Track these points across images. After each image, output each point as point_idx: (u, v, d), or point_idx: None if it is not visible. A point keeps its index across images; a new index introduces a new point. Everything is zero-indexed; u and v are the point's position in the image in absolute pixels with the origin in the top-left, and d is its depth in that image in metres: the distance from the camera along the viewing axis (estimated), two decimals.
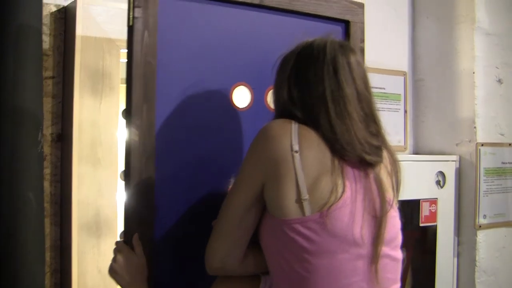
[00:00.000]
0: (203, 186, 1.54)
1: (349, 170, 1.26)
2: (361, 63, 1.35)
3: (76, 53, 1.81)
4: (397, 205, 1.36)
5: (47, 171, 1.90)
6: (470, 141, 2.56)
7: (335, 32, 1.75)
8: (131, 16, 1.43)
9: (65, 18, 1.90)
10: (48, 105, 1.90)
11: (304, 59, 1.34)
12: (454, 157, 2.60)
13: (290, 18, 1.69)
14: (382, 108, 2.59)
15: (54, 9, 1.90)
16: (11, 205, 1.67)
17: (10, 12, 1.67)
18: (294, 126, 1.26)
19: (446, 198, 2.57)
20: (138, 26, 1.44)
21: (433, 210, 2.52)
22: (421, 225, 2.50)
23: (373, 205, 1.26)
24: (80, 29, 1.81)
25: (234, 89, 1.60)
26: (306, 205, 1.21)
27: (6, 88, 1.67)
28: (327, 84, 1.28)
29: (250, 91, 1.63)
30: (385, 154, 1.34)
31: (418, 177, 2.50)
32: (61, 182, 1.94)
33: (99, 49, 1.86)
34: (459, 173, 2.61)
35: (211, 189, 1.55)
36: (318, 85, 1.29)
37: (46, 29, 1.88)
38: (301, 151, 1.22)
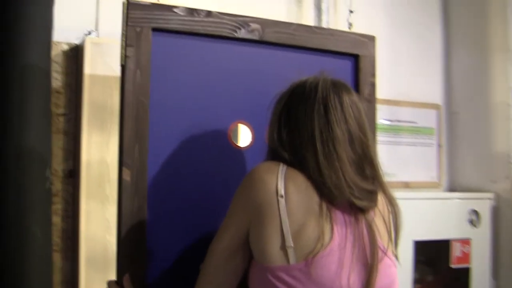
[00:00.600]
0: (197, 228, 1.51)
1: (338, 215, 1.20)
2: (356, 102, 1.30)
3: (84, 91, 1.84)
4: (394, 252, 1.29)
5: (58, 206, 1.92)
6: (506, 178, 2.42)
7: (343, 67, 1.71)
8: (123, 55, 1.44)
9: (77, 56, 1.94)
10: (59, 141, 1.93)
11: (295, 98, 1.31)
12: (490, 195, 2.47)
13: (293, 54, 1.66)
14: (414, 142, 2.50)
15: (66, 47, 1.93)
16: (17, 240, 1.69)
17: (16, 52, 1.71)
18: (282, 169, 1.21)
19: (481, 238, 2.44)
20: (130, 65, 1.44)
21: (466, 251, 2.39)
22: (452, 266, 2.37)
23: (364, 253, 1.20)
24: (88, 68, 1.84)
25: (233, 128, 1.57)
26: (290, 252, 1.15)
27: (12, 126, 1.70)
28: (316, 124, 1.24)
29: (250, 129, 1.59)
30: (381, 198, 1.28)
31: (448, 216, 2.39)
32: (72, 218, 1.95)
33: (107, 87, 1.88)
34: (495, 211, 2.47)
35: (205, 231, 1.51)
36: (308, 125, 1.25)
37: (58, 67, 1.92)
38: (287, 195, 1.18)
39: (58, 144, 1.92)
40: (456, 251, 2.37)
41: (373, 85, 1.75)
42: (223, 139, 1.56)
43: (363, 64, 1.74)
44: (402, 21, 2.54)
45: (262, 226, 1.18)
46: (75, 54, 1.94)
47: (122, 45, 1.44)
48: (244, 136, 1.60)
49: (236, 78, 1.58)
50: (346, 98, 1.28)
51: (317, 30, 1.68)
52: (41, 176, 1.74)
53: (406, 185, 2.46)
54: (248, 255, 1.25)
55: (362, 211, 1.22)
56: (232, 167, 1.56)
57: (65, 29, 1.93)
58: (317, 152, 1.22)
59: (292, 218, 1.16)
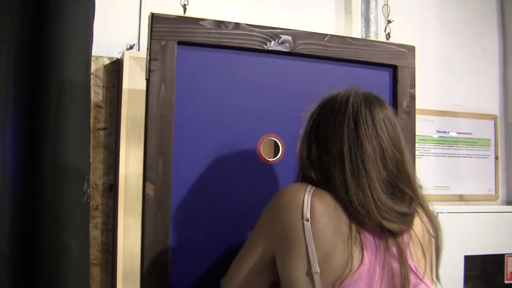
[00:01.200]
0: (222, 246, 1.49)
1: (368, 238, 1.12)
2: (390, 116, 1.22)
3: (122, 105, 1.86)
4: (434, 279, 1.20)
5: (99, 220, 1.95)
6: None
7: (380, 78, 1.66)
8: (147, 69, 1.44)
9: (118, 71, 1.97)
10: (100, 155, 1.96)
11: (325, 113, 1.24)
12: None
13: (326, 65, 1.61)
14: (469, 154, 2.38)
15: (107, 61, 1.97)
16: (54, 254, 1.72)
17: (53, 65, 1.74)
18: (309, 191, 1.15)
19: None
20: (154, 79, 1.44)
21: None
22: (506, 282, 2.23)
23: (394, 279, 1.12)
24: (127, 82, 1.86)
25: (262, 142, 1.54)
26: (316, 278, 1.10)
27: (48, 140, 1.73)
28: (345, 139, 1.17)
29: (281, 143, 1.56)
30: (419, 221, 1.19)
31: (504, 230, 2.25)
32: (112, 231, 1.97)
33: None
34: None
35: (231, 249, 1.48)
36: (337, 141, 1.18)
37: (99, 82, 1.95)
38: (313, 219, 1.12)
39: (98, 158, 1.95)
40: (511, 266, 2.23)
41: (412, 97, 1.68)
42: (252, 154, 1.53)
43: (402, 75, 1.68)
44: (456, 31, 2.44)
45: (287, 252, 1.13)
46: (116, 69, 1.97)
47: (147, 59, 1.45)
48: (274, 150, 1.57)
49: (265, 92, 1.55)
50: (378, 112, 1.20)
51: (352, 40, 1.63)
52: (79, 190, 1.76)
53: (461, 198, 2.34)
54: (274, 273, 1.21)
55: (393, 234, 1.13)
56: (262, 183, 1.54)
57: (107, 43, 1.97)
58: (345, 169, 1.15)
59: (319, 243, 1.11)
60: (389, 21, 1.71)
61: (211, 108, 1.50)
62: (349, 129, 1.18)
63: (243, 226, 1.49)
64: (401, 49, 1.68)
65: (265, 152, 1.55)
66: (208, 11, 1.92)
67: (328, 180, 1.17)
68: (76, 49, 1.78)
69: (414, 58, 1.69)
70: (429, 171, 2.26)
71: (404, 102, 1.67)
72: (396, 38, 2.23)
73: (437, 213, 2.01)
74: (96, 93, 1.94)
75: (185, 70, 1.47)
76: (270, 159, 1.55)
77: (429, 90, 2.31)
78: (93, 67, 1.90)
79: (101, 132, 1.96)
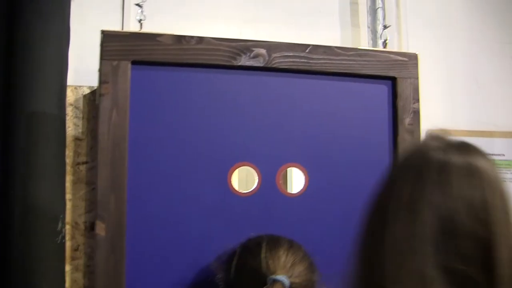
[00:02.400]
0: None
1: None
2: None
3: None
4: None
5: (80, 261, 1.80)
6: None
7: (377, 93, 1.46)
8: (98, 93, 1.30)
9: None
10: (81, 191, 1.82)
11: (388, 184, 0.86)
12: None
13: (309, 80, 1.43)
14: (503, 178, 2.11)
15: (87, 91, 1.84)
16: None
17: (23, 97, 1.64)
18: None
19: None
20: (105, 104, 1.30)
21: None
22: None
23: None
24: None
25: (233, 171, 1.36)
26: None
27: (18, 177, 1.62)
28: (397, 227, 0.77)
29: (257, 171, 1.37)
30: None
31: None
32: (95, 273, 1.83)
33: None
34: None
35: None
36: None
37: (79, 113, 1.83)
38: None
39: (79, 194, 1.81)
40: None
41: (416, 113, 1.47)
42: (222, 186, 1.35)
43: (402, 88, 1.47)
44: (483, 40, 2.19)
45: None
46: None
47: (99, 83, 1.31)
48: (248, 180, 1.39)
49: (236, 114, 1.38)
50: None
51: (340, 50, 1.44)
52: (52, 230, 1.63)
53: None
54: None
55: None
56: (234, 220, 1.35)
57: (86, 72, 1.85)
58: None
59: None
60: (385, 26, 1.52)
61: (171, 134, 1.33)
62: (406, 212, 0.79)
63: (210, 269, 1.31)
64: (401, 58, 1.48)
65: (237, 183, 1.37)
66: (191, 28, 1.77)
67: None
68: (48, 78, 1.67)
69: (417, 67, 1.48)
70: None
71: (406, 120, 1.46)
72: (415, 50, 2.03)
73: None
74: (76, 125, 1.81)
75: (140, 93, 1.32)
76: (244, 191, 1.37)
77: (452, 107, 2.07)
78: (72, 98, 1.78)
79: (82, 167, 1.83)
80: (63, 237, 1.63)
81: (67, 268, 1.80)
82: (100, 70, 1.30)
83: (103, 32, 1.31)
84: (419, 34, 2.05)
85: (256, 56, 1.38)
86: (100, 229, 1.27)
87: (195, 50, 1.35)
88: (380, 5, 1.95)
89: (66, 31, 1.64)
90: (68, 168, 1.67)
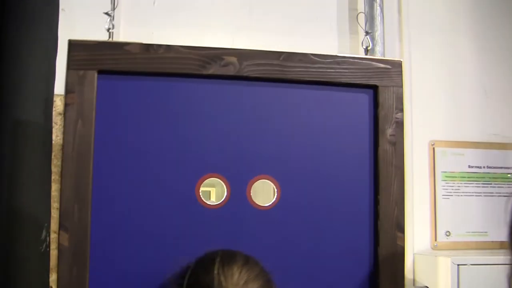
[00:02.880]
0: None
1: None
2: None
3: None
4: None
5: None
6: None
7: (356, 102, 1.41)
8: (63, 103, 1.31)
9: None
10: None
11: None
12: None
13: (284, 89, 1.39)
14: (505, 193, 1.98)
15: None
16: None
17: (8, 105, 1.67)
18: None
19: None
20: (70, 114, 1.30)
21: None
22: None
23: None
24: None
25: (201, 182, 1.34)
26: None
27: (1, 185, 1.65)
28: None
29: (226, 184, 1.35)
30: None
31: None
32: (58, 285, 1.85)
33: None
34: None
35: None
36: None
37: None
38: None
39: None
40: None
41: (399, 123, 1.40)
42: (189, 198, 1.33)
43: (384, 97, 1.40)
44: (491, 49, 2.06)
45: None
46: None
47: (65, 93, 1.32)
48: (217, 192, 1.37)
49: (206, 123, 1.35)
50: None
51: (316, 58, 1.39)
52: (35, 239, 1.66)
53: (502, 246, 1.95)
54: None
55: None
56: (201, 233, 1.33)
57: None
58: None
59: None
60: (367, 32, 1.46)
61: (138, 145, 1.32)
62: None
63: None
64: (383, 65, 1.42)
65: (205, 195, 1.35)
66: (176, 37, 1.75)
67: None
68: (33, 87, 1.69)
69: (400, 75, 1.42)
70: (459, 214, 1.90)
71: (387, 130, 1.39)
72: (418, 57, 1.95)
73: (470, 264, 1.68)
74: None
75: (106, 103, 1.32)
76: (211, 204, 1.34)
77: (458, 117, 1.97)
78: (61, 107, 1.80)
79: None
80: (47, 246, 1.65)
81: (53, 277, 1.82)
82: (66, 80, 1.30)
83: (69, 41, 1.31)
84: (423, 41, 1.97)
85: (227, 65, 1.35)
86: (64, 239, 1.27)
87: (163, 59, 1.33)
88: (379, 12, 1.89)
89: (54, 40, 1.66)
90: (56, 177, 1.69)
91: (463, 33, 2.03)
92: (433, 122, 1.96)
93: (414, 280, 1.86)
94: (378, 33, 1.84)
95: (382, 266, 1.35)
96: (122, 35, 1.76)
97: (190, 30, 1.76)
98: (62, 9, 1.70)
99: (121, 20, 1.78)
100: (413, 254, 1.86)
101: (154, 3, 1.80)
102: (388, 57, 1.89)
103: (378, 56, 1.85)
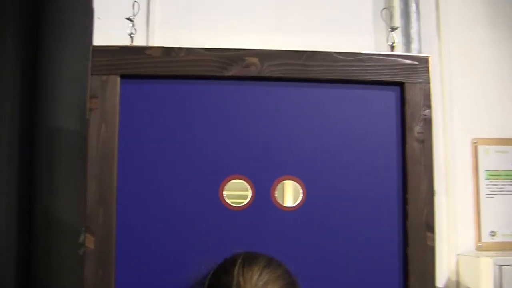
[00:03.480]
0: None
1: None
2: None
3: None
4: None
5: None
6: None
7: (383, 100, 1.39)
8: (88, 108, 1.34)
9: None
10: None
11: None
12: None
13: (307, 89, 1.38)
14: None
15: None
16: None
17: (46, 113, 1.73)
18: None
19: None
20: (94, 119, 1.33)
21: None
22: None
23: None
24: None
25: (225, 184, 1.34)
26: None
27: (40, 191, 1.71)
28: None
29: (250, 184, 1.35)
30: None
31: None
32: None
33: None
34: None
35: None
36: None
37: None
38: None
39: None
40: None
41: (427, 121, 1.37)
42: (213, 199, 1.34)
43: (411, 94, 1.38)
44: None
45: None
46: None
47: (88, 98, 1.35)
48: (240, 193, 1.37)
49: (229, 125, 1.36)
50: None
51: (340, 56, 1.38)
52: (74, 242, 1.70)
53: None
54: None
55: None
56: (225, 235, 1.33)
57: None
58: None
59: None
60: (392, 28, 1.43)
61: (161, 148, 1.34)
62: None
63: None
64: (409, 62, 1.39)
65: (230, 196, 1.35)
66: (204, 38, 1.76)
67: None
68: (68, 94, 1.75)
69: (427, 71, 1.39)
70: (504, 213, 1.84)
71: (415, 128, 1.37)
72: (458, 54, 1.90)
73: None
74: None
75: (129, 107, 1.34)
76: (236, 205, 1.34)
77: (500, 115, 1.90)
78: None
79: None
80: (85, 250, 1.68)
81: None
82: (89, 85, 1.33)
83: (92, 47, 1.34)
84: (463, 37, 1.92)
85: (248, 66, 1.36)
86: (89, 242, 1.29)
87: (185, 61, 1.35)
88: (415, 8, 1.85)
89: (89, 48, 1.71)
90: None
91: (504, 27, 1.97)
92: (475, 119, 1.91)
93: (457, 281, 1.81)
94: (413, 30, 1.81)
95: (411, 266, 1.31)
96: (156, 39, 1.78)
97: (218, 31, 1.77)
98: (98, 18, 1.75)
99: (156, 24, 1.81)
100: (457, 255, 1.81)
101: (186, 6, 1.82)
102: (424, 54, 1.86)
103: (414, 53, 1.82)
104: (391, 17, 1.49)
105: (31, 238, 1.71)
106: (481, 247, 1.82)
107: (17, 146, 1.73)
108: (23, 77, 1.75)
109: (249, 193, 1.35)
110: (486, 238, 1.85)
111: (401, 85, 1.39)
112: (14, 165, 1.72)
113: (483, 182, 1.87)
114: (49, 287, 1.68)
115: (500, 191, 1.86)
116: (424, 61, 1.40)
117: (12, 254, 1.69)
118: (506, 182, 1.88)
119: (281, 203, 1.35)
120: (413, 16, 1.83)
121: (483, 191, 1.87)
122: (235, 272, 1.09)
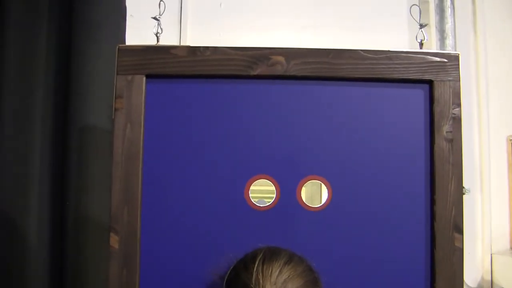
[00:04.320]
0: None
1: None
2: None
3: None
4: None
5: None
6: None
7: (412, 99, 1.38)
8: (113, 108, 1.35)
9: None
10: None
11: None
12: None
13: (334, 87, 1.37)
14: None
15: None
16: None
17: (76, 111, 1.75)
18: None
19: None
20: (119, 119, 1.34)
21: None
22: None
23: None
24: None
25: (251, 184, 1.35)
26: None
27: (70, 188, 1.73)
28: None
29: (276, 185, 1.35)
30: None
31: None
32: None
33: None
34: None
35: None
36: None
37: None
38: None
39: None
40: None
41: (456, 119, 1.35)
42: (239, 199, 1.34)
43: (440, 92, 1.36)
44: None
45: None
46: None
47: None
48: (266, 194, 1.37)
49: (254, 124, 1.36)
50: None
51: (367, 54, 1.37)
52: (104, 241, 1.73)
53: None
54: None
55: None
56: (251, 235, 1.33)
57: None
58: None
59: None
60: (421, 25, 1.41)
61: (186, 148, 1.35)
62: None
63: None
64: (438, 59, 1.37)
65: (255, 197, 1.35)
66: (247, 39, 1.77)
67: None
68: (99, 93, 1.77)
69: (457, 69, 1.37)
70: None
71: (444, 127, 1.35)
72: (495, 50, 1.87)
73: None
74: None
75: (155, 106, 1.35)
76: (262, 205, 1.34)
77: None
78: None
79: None
80: None
81: None
82: (115, 85, 1.34)
83: (118, 47, 1.35)
84: (500, 32, 1.89)
85: (274, 64, 1.35)
86: (114, 241, 1.31)
87: (210, 61, 1.35)
88: (449, 3, 1.83)
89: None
90: None
91: None
92: (511, 116, 1.89)
93: (491, 281, 1.79)
94: (448, 26, 1.79)
95: (438, 268, 1.30)
96: (189, 38, 1.79)
97: (253, 30, 1.78)
98: (130, 15, 1.76)
99: (188, 23, 1.82)
100: (491, 255, 1.79)
101: (220, 5, 1.83)
102: (459, 50, 1.84)
103: (448, 49, 1.80)
104: (420, 13, 1.46)
105: (63, 237, 1.74)
106: None
107: (49, 145, 1.76)
108: (56, 77, 1.78)
109: (275, 193, 1.35)
110: None
111: (430, 83, 1.37)
112: (45, 165, 1.75)
113: None
114: (81, 286, 1.71)
115: None
116: (454, 58, 1.38)
117: (44, 254, 1.73)
118: None
119: (307, 203, 1.35)
120: (448, 11, 1.80)
121: None
122: (255, 269, 1.09)
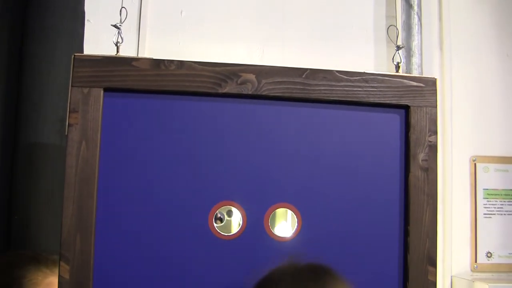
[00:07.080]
0: None
1: None
2: None
3: None
4: None
5: None
6: None
7: (386, 124, 1.35)
8: (66, 124, 1.26)
9: None
10: None
11: None
12: None
13: (306, 109, 1.33)
14: None
15: None
16: None
17: (25, 128, 1.66)
18: None
19: None
20: (73, 135, 1.25)
21: None
22: None
23: None
24: None
25: (215, 211, 1.28)
26: None
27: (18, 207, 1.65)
28: None
29: (242, 212, 1.29)
30: None
31: None
32: None
33: None
34: None
35: None
36: None
37: None
38: None
39: None
40: None
41: (432, 147, 1.33)
42: (202, 227, 1.28)
43: (416, 118, 1.34)
44: None
45: None
46: None
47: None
48: (233, 221, 1.31)
49: (221, 146, 1.30)
50: None
51: (342, 75, 1.33)
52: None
53: None
54: None
55: None
56: (215, 264, 1.27)
57: None
58: None
59: None
60: (398, 47, 1.39)
61: (146, 169, 1.27)
62: None
63: None
64: (415, 84, 1.35)
65: (220, 226, 1.29)
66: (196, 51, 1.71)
67: None
68: (52, 106, 1.68)
69: (435, 94, 1.35)
70: (501, 234, 1.83)
71: (419, 155, 1.33)
72: (460, 69, 1.88)
73: None
74: None
75: (113, 123, 1.27)
76: (226, 234, 1.28)
77: (501, 132, 1.90)
78: None
79: None
80: None
81: None
82: (69, 98, 1.25)
83: (74, 56, 1.27)
84: (466, 51, 1.90)
85: (244, 83, 1.30)
86: (64, 271, 1.22)
87: (175, 75, 1.28)
88: (417, 20, 1.82)
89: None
90: None
91: (509, 40, 1.96)
92: (474, 136, 1.90)
93: None
94: (415, 43, 1.78)
95: None
96: (148, 47, 1.72)
97: (215, 44, 1.73)
98: (87, 20, 1.67)
99: (147, 32, 1.74)
100: (451, 277, 1.80)
101: (181, 12, 1.76)
102: (425, 68, 1.83)
103: (414, 68, 1.79)
104: (397, 34, 1.44)
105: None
106: (476, 269, 1.82)
107: None
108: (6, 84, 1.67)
109: (241, 221, 1.29)
110: (482, 259, 1.85)
111: (406, 108, 1.35)
112: None
113: (480, 201, 1.87)
114: None
115: (499, 211, 1.86)
116: (431, 83, 1.36)
117: None
118: (505, 201, 1.87)
119: (275, 232, 1.30)
120: (415, 28, 1.79)
121: (481, 210, 1.87)
122: None
